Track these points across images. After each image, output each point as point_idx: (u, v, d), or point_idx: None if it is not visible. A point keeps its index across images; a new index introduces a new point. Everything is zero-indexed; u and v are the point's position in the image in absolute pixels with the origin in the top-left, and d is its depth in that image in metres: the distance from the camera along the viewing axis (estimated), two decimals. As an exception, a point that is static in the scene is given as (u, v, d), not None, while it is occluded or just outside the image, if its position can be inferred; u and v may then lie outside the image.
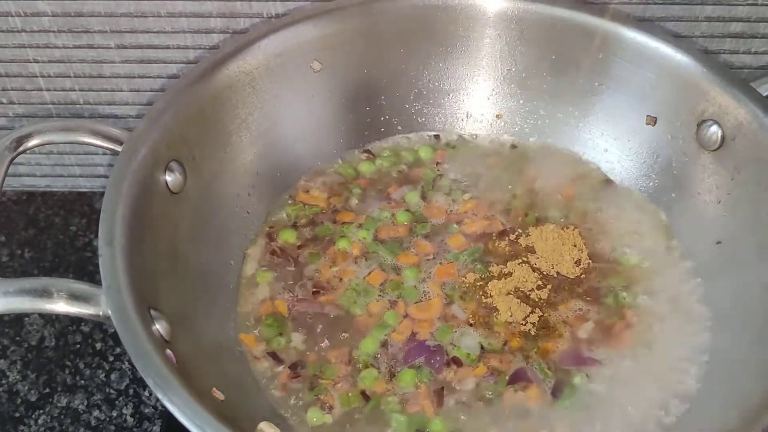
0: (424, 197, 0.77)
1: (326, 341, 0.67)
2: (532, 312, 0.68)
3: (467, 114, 0.82)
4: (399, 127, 0.82)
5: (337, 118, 0.79)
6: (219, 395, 0.58)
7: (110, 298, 0.55)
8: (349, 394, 0.64)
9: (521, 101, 0.81)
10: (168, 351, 0.55)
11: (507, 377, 0.65)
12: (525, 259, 0.72)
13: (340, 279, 0.71)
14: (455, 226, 0.75)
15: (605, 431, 0.63)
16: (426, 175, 0.79)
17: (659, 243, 0.74)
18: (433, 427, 0.63)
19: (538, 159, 0.80)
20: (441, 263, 0.72)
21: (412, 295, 0.70)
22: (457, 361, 0.66)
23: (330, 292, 0.70)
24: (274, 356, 0.66)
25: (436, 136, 0.82)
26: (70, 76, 0.82)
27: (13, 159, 0.62)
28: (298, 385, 0.65)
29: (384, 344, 0.67)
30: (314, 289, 0.70)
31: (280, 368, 0.66)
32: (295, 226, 0.75)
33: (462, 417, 0.63)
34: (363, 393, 0.64)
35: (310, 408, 0.64)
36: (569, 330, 0.68)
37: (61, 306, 0.55)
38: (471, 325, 0.68)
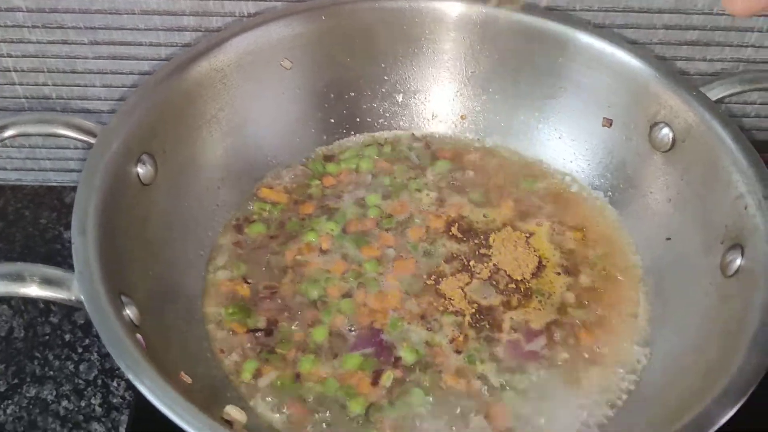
0: (389, 195, 0.79)
1: (288, 326, 0.69)
2: (482, 308, 0.70)
3: (433, 114, 0.84)
4: (367, 126, 0.84)
5: (306, 116, 0.81)
6: (187, 379, 0.60)
7: (82, 283, 0.56)
8: (281, 379, 0.66)
9: (484, 102, 0.83)
10: (138, 335, 0.56)
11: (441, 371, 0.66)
12: (482, 257, 0.74)
13: (305, 269, 0.73)
14: (417, 220, 0.77)
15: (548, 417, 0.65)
16: (391, 173, 0.81)
17: (612, 240, 0.76)
18: (353, 405, 0.64)
19: (499, 159, 0.82)
20: (402, 256, 0.74)
21: (371, 286, 0.72)
22: (398, 361, 0.67)
23: (294, 281, 0.72)
24: (249, 331, 0.69)
25: (405, 135, 0.84)
26: (43, 71, 0.82)
27: (-12, 149, 0.63)
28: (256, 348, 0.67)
29: (338, 332, 0.68)
30: (275, 283, 0.72)
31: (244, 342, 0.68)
32: (262, 220, 0.77)
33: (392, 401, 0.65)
34: (297, 375, 0.66)
35: (247, 360, 0.66)
36: (517, 325, 0.69)
37: (33, 290, 0.56)
38: (423, 318, 0.69)
